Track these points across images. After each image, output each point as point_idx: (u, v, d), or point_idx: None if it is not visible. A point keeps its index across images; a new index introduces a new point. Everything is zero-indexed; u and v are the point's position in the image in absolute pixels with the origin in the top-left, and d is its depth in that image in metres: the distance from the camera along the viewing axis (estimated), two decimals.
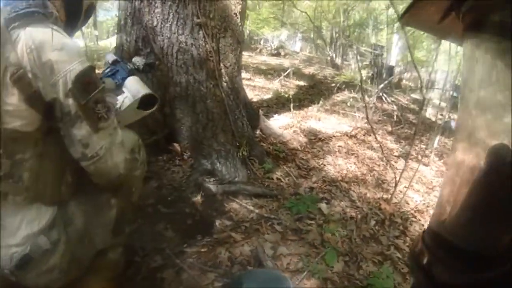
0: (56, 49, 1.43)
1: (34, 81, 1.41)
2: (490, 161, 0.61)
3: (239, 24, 4.01)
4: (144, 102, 2.11)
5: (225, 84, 3.81)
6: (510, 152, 0.59)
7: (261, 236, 2.96)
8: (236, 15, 3.90)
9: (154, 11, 3.47)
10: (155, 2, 3.45)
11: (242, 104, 4.20)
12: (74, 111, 1.48)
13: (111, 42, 10.88)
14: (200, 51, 3.54)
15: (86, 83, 1.49)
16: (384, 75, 10.17)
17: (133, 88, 2.12)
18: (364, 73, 11.08)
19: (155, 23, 3.48)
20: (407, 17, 0.81)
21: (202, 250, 2.72)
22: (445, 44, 7.66)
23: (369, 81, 9.58)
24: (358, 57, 11.97)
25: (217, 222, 3.03)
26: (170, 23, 3.48)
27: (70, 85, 1.45)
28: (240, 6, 3.93)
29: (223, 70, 3.80)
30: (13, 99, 1.40)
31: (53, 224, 1.62)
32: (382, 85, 8.78)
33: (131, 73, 2.19)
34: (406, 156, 4.48)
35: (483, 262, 0.61)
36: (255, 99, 6.68)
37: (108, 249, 2.03)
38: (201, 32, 3.54)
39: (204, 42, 3.54)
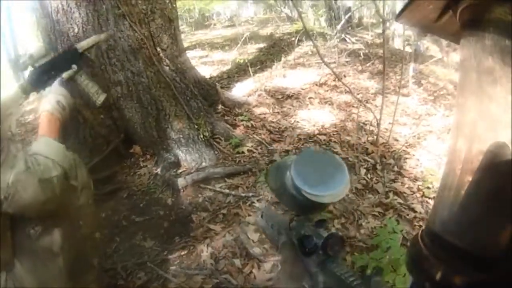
0: None
1: None
2: (489, 159, 0.60)
3: (167, 1, 3.73)
4: None
5: (167, 67, 3.56)
6: (509, 150, 0.57)
7: (242, 220, 2.73)
8: None
9: (72, 17, 3.21)
10: (71, 9, 3.18)
11: (193, 83, 3.94)
12: None
13: None
14: (130, 42, 3.29)
15: None
16: (342, 17, 9.94)
17: None
18: (322, 20, 10.84)
19: (76, 30, 3.24)
20: (404, 16, 0.77)
21: (183, 253, 2.52)
22: None
23: (328, 26, 9.32)
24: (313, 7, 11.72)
25: (194, 217, 2.81)
26: (91, 24, 3.24)
27: None
28: None
29: (161, 54, 3.55)
30: None
31: None
32: (339, 25, 8.55)
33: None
34: (382, 91, 4.24)
35: (483, 262, 0.59)
36: (214, 74, 6.40)
37: None
38: (126, 22, 3.28)
39: (132, 31, 3.29)
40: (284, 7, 12.36)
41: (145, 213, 2.92)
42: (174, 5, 3.98)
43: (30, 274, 1.56)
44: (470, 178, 0.62)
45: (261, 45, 8.69)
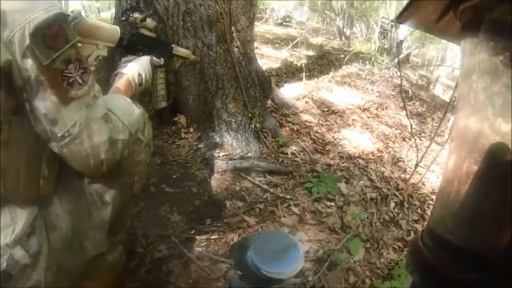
0: None
1: None
2: (489, 160, 0.61)
3: None
4: None
5: (236, 49, 3.50)
6: (509, 151, 0.59)
7: (277, 219, 2.68)
8: None
9: None
10: None
11: (255, 71, 3.89)
12: (35, 76, 1.10)
13: (113, 13, 10.71)
14: (209, 12, 3.21)
15: (51, 36, 1.10)
16: (394, 49, 9.92)
17: None
18: (373, 46, 10.83)
19: None
20: (405, 16, 0.81)
21: (212, 237, 2.44)
22: None
23: (385, 53, 9.31)
24: (368, 30, 11.67)
25: (228, 204, 2.74)
26: None
27: (28, 40, 1.06)
28: None
29: (234, 34, 3.49)
30: None
31: (32, 231, 1.28)
32: (397, 59, 8.56)
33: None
34: (431, 138, 4.27)
35: (483, 262, 0.61)
36: (263, 68, 6.31)
37: (106, 252, 1.67)
38: None
39: (215, 3, 3.21)
40: (340, 23, 12.30)
41: (176, 185, 2.84)
42: None
43: (69, 215, 1.42)
44: (469, 180, 0.65)
45: (310, 53, 8.68)
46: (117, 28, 1.75)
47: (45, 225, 1.35)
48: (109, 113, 1.34)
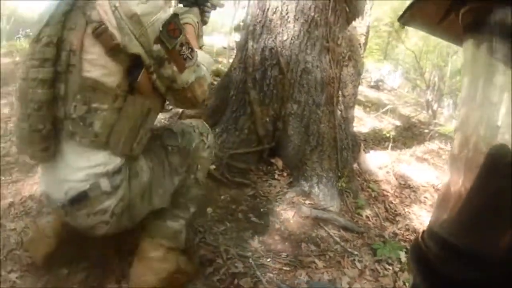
0: (141, 3, 1.60)
1: (118, 35, 1.57)
2: (490, 161, 0.62)
3: (362, 56, 4.10)
4: None
5: (339, 112, 3.87)
6: (510, 152, 0.59)
7: (341, 268, 2.99)
8: (360, 46, 4.00)
9: (286, 25, 3.58)
10: (288, 17, 3.57)
11: (350, 135, 4.24)
12: (162, 54, 1.67)
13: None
14: (323, 74, 3.61)
15: (171, 29, 1.65)
16: None
17: None
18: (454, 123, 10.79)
19: (285, 38, 3.59)
20: (407, 17, 0.82)
21: (284, 268, 2.77)
22: None
23: None
24: (455, 107, 11.62)
25: (303, 245, 3.07)
26: (300, 41, 3.58)
27: (158, 32, 1.62)
28: (365, 37, 4.05)
29: (340, 98, 3.87)
30: (95, 50, 1.59)
31: (118, 171, 1.77)
32: None
33: None
34: None
35: (483, 262, 0.62)
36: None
37: (167, 216, 2.17)
38: (327, 56, 3.63)
39: (329, 67, 3.63)
40: (430, 95, 12.34)
41: (262, 217, 3.21)
42: (363, 62, 4.32)
43: (150, 171, 1.95)
44: (471, 180, 0.65)
45: (397, 123, 8.86)
46: None
47: (129, 172, 1.84)
48: (203, 67, 1.93)
